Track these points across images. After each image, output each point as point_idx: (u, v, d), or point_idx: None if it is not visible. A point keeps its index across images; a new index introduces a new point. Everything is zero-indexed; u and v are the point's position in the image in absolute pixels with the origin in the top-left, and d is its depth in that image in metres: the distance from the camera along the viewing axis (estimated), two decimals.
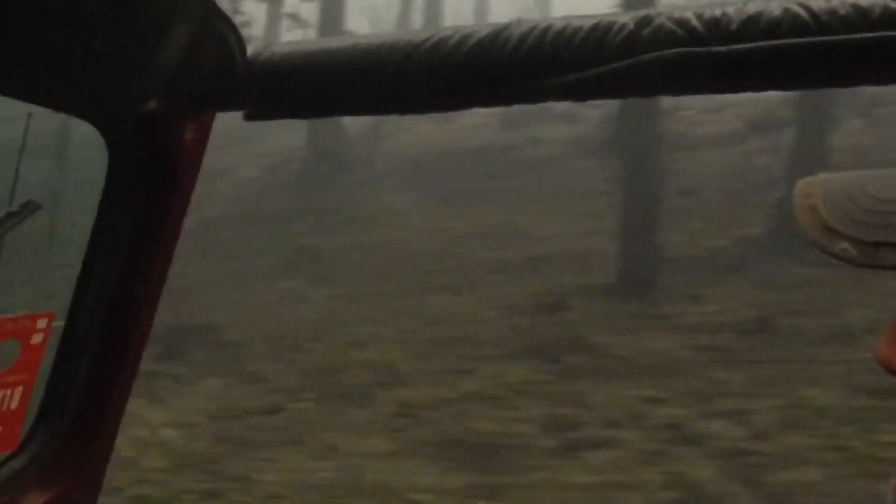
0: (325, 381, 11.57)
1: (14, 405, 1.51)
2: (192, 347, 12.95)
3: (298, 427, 10.30)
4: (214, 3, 1.37)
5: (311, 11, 25.48)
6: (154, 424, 10.39)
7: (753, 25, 1.18)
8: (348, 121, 20.38)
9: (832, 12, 1.15)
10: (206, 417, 10.78)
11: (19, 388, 1.52)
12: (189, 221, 1.59)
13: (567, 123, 21.62)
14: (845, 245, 0.88)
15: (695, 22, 1.20)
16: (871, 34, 1.13)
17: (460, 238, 16.42)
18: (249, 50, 1.42)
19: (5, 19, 1.14)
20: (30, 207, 1.51)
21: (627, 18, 1.25)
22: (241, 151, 21.17)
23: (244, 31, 1.44)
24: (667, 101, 14.48)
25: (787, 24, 1.16)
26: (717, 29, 1.19)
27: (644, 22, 1.23)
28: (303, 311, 14.47)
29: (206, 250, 15.47)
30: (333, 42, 1.41)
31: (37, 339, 1.53)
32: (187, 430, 10.44)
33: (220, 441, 10.02)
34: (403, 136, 22.77)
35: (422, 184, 19.66)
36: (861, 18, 1.14)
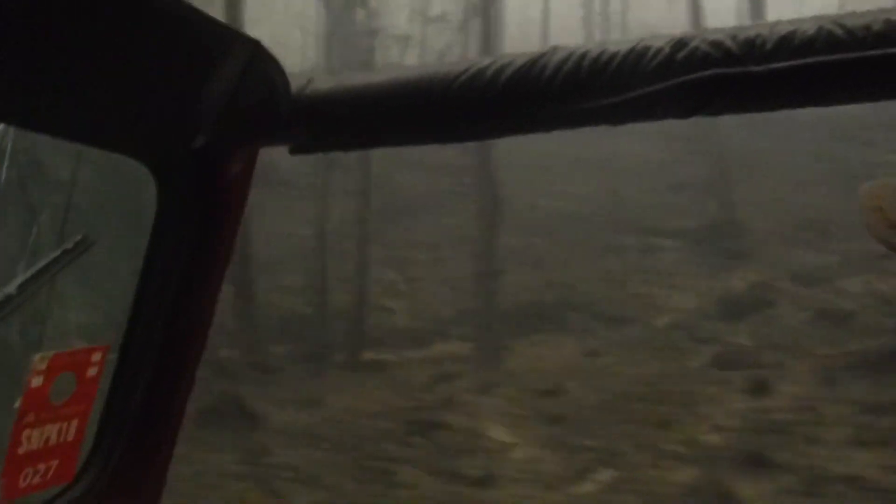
0: None
1: (70, 437, 1.55)
2: None
3: None
4: (259, 42, 1.44)
5: None
6: None
7: (788, 44, 1.19)
8: None
9: (866, 28, 1.16)
10: None
11: (75, 421, 1.56)
12: None
13: None
14: None
15: (730, 43, 1.22)
16: None
17: None
18: (293, 86, 1.47)
19: (54, 64, 1.23)
20: (84, 244, 1.58)
21: (663, 42, 1.27)
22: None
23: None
24: None
25: (822, 42, 1.18)
26: (752, 49, 1.21)
27: (679, 45, 1.25)
28: None
29: None
30: (374, 75, 1.46)
31: (92, 371, 1.57)
32: None
33: None
34: None
35: None
36: (895, 32, 1.14)
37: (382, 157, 14.30)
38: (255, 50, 1.42)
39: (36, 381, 1.51)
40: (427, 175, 16.15)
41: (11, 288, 1.53)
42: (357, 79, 1.46)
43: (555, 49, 1.34)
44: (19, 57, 1.18)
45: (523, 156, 15.40)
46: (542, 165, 17.32)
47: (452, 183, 15.88)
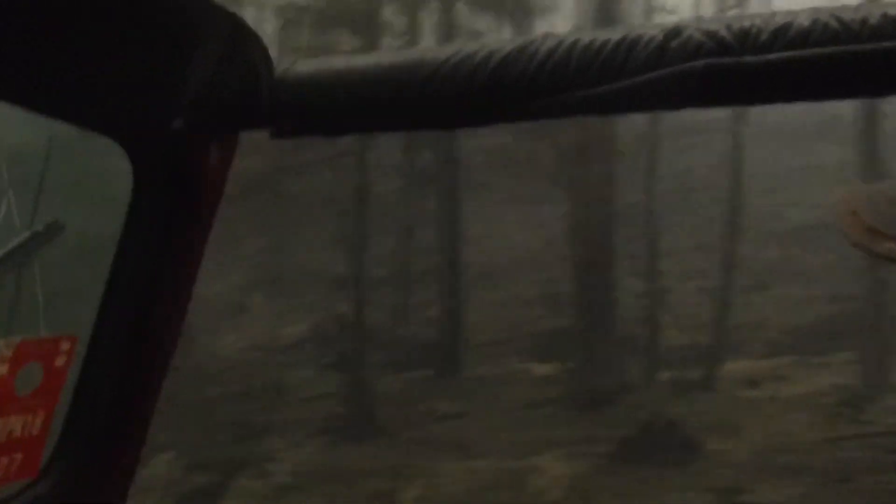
0: None
1: (36, 430, 1.49)
2: None
3: None
4: (241, 21, 1.41)
5: None
6: None
7: (783, 35, 1.18)
8: None
9: (863, 21, 1.15)
10: None
11: (41, 413, 1.49)
12: None
13: None
14: (891, 244, 0.94)
15: (724, 33, 1.21)
16: None
17: None
18: (276, 68, 1.44)
19: (33, 37, 1.21)
20: (53, 228, 1.51)
21: (656, 31, 1.26)
22: None
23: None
24: None
25: (818, 34, 1.17)
26: (746, 39, 1.20)
27: (673, 33, 1.24)
28: None
29: None
30: (359, 59, 1.43)
31: (60, 362, 1.50)
32: None
33: None
34: None
35: None
36: (892, 27, 1.13)
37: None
38: (237, 27, 1.37)
39: (0, 369, 1.46)
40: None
41: None
42: (341, 62, 1.42)
43: (545, 36, 1.31)
44: None
45: (741, 161, 14.50)
46: (768, 172, 16.29)
47: (670, 187, 15.20)
